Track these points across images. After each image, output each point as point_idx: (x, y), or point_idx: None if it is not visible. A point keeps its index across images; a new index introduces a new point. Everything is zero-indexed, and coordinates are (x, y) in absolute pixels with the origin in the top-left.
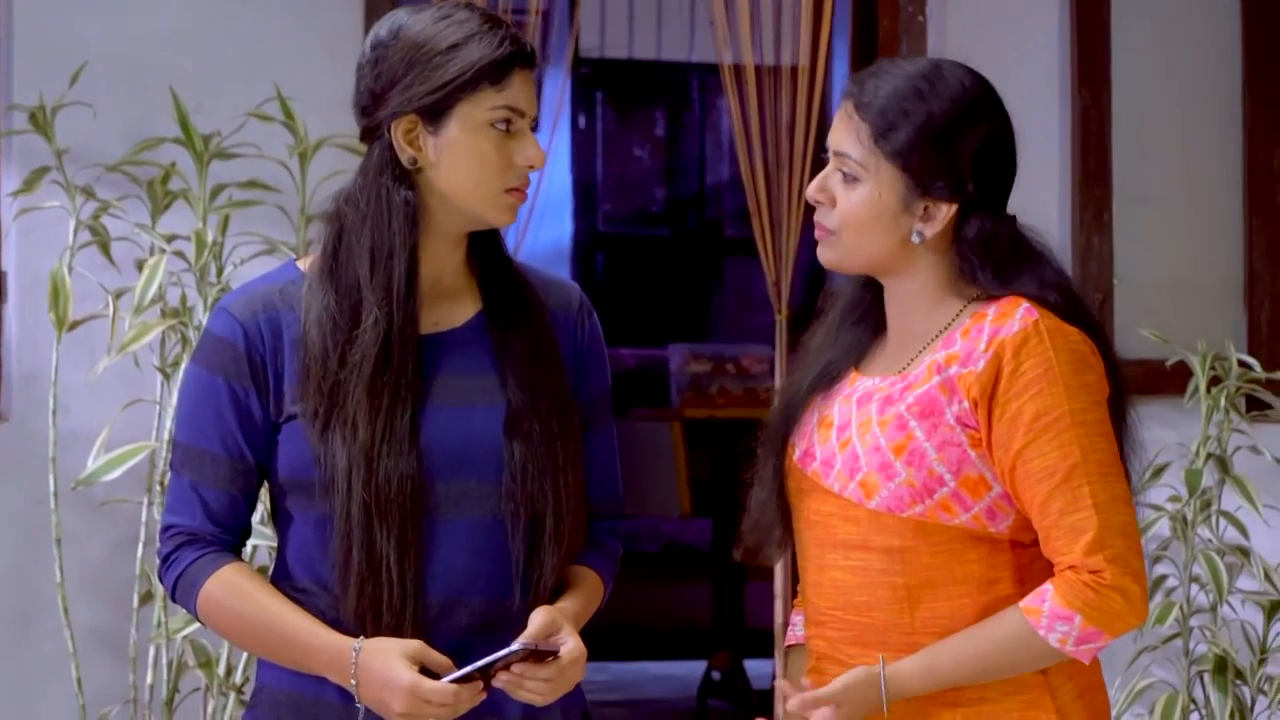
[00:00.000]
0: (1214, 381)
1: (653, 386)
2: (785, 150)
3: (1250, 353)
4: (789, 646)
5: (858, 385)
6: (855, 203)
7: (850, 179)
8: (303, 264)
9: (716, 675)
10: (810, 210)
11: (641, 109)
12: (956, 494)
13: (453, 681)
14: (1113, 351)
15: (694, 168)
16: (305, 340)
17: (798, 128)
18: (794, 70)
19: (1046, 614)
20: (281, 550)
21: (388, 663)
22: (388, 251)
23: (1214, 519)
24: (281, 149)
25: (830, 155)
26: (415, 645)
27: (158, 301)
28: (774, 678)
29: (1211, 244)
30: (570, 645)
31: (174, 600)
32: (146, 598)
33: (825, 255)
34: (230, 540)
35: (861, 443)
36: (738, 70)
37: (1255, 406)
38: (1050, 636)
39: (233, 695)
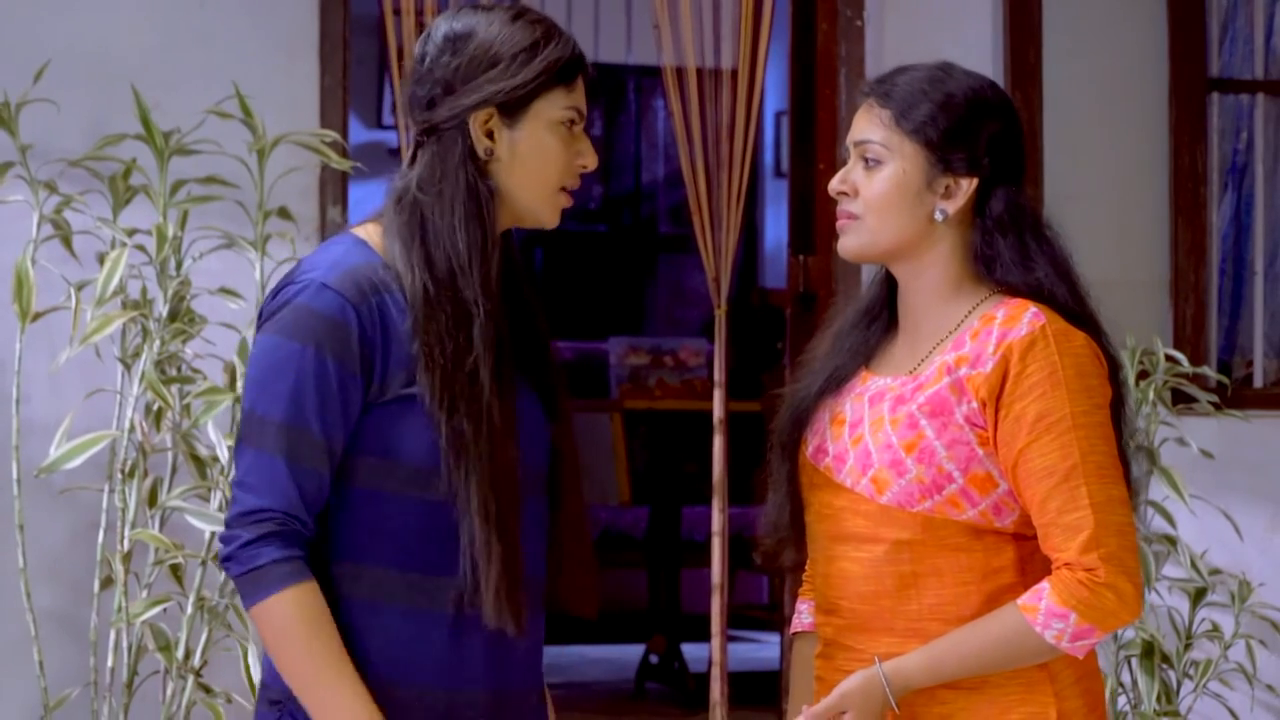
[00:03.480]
0: (1142, 375)
1: (591, 378)
2: (725, 150)
3: (1176, 347)
4: (794, 634)
5: (869, 384)
6: (880, 184)
7: (873, 163)
8: (364, 235)
9: (654, 659)
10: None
11: None
12: (964, 491)
13: None
14: (1113, 353)
15: (630, 166)
16: (417, 326)
17: (737, 128)
18: (733, 73)
19: (1043, 612)
20: (339, 531)
21: None
22: (481, 242)
23: (1142, 509)
24: (240, 145)
25: (850, 150)
26: None
27: (119, 294)
28: (710, 662)
29: (1139, 242)
30: None
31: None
32: (107, 583)
33: (848, 242)
34: (312, 532)
35: (874, 440)
36: (679, 72)
37: (1181, 400)
38: (1046, 634)
39: (191, 678)
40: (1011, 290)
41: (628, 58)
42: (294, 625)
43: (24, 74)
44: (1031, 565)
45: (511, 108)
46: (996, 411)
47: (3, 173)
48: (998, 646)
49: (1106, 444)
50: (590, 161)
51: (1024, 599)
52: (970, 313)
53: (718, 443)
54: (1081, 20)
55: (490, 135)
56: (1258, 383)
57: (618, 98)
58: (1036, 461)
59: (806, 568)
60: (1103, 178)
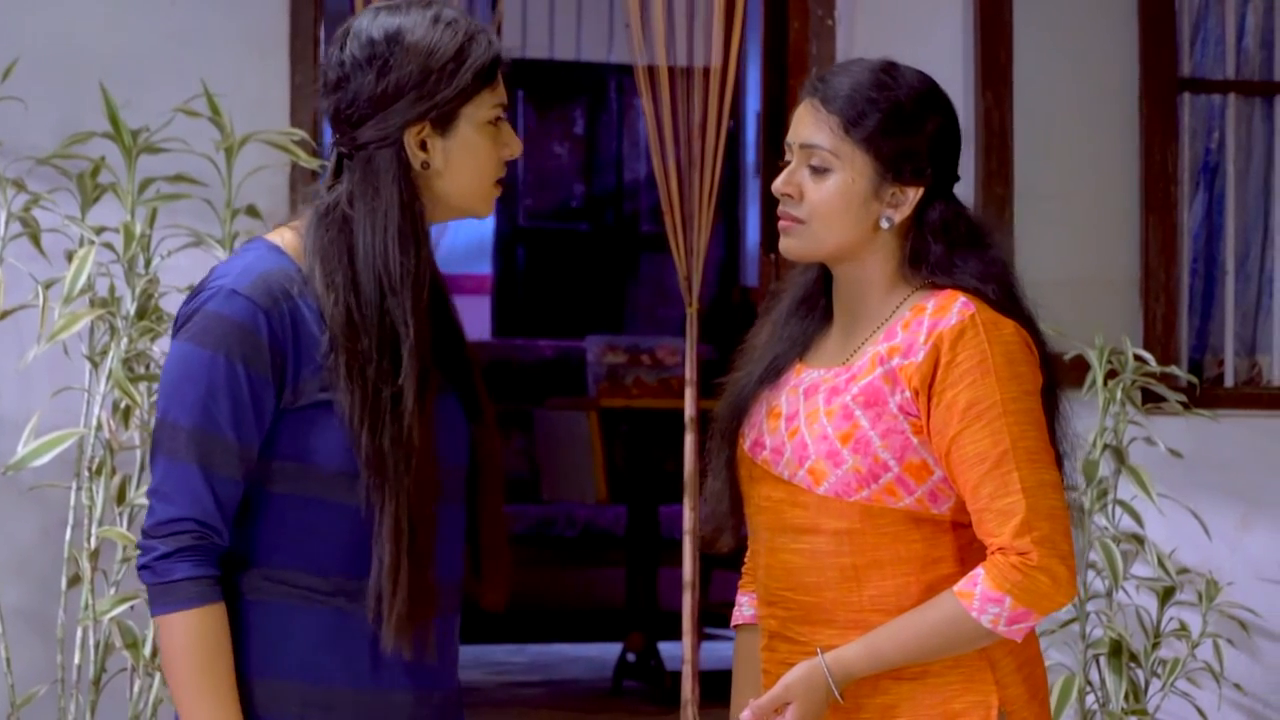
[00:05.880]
0: (1111, 375)
1: (570, 376)
2: (697, 149)
3: (1145, 347)
4: (737, 626)
5: (803, 377)
6: (828, 192)
7: (820, 170)
8: (279, 241)
9: (631, 656)
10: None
11: (561, 108)
12: (900, 479)
13: None
14: (1046, 343)
15: (611, 165)
16: (336, 334)
17: (709, 128)
18: (706, 72)
19: (978, 597)
20: (258, 536)
21: None
22: (415, 262)
23: (1110, 508)
24: (208, 144)
25: (794, 151)
26: None
27: (87, 292)
28: (682, 660)
29: (1109, 241)
30: None
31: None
32: (74, 580)
33: (791, 244)
34: (227, 541)
35: (809, 432)
36: (652, 71)
37: (1150, 399)
38: (982, 618)
39: (158, 675)
40: (940, 286)
41: (609, 56)
42: (193, 646)
43: None
44: (970, 554)
45: (444, 119)
46: (929, 400)
47: None
48: (936, 633)
49: (1037, 429)
50: (516, 149)
51: (960, 585)
52: (902, 304)
53: (689, 441)
54: (1053, 20)
55: (424, 146)
56: (1228, 382)
57: (599, 96)
58: (968, 448)
59: (747, 560)
60: (1074, 177)
